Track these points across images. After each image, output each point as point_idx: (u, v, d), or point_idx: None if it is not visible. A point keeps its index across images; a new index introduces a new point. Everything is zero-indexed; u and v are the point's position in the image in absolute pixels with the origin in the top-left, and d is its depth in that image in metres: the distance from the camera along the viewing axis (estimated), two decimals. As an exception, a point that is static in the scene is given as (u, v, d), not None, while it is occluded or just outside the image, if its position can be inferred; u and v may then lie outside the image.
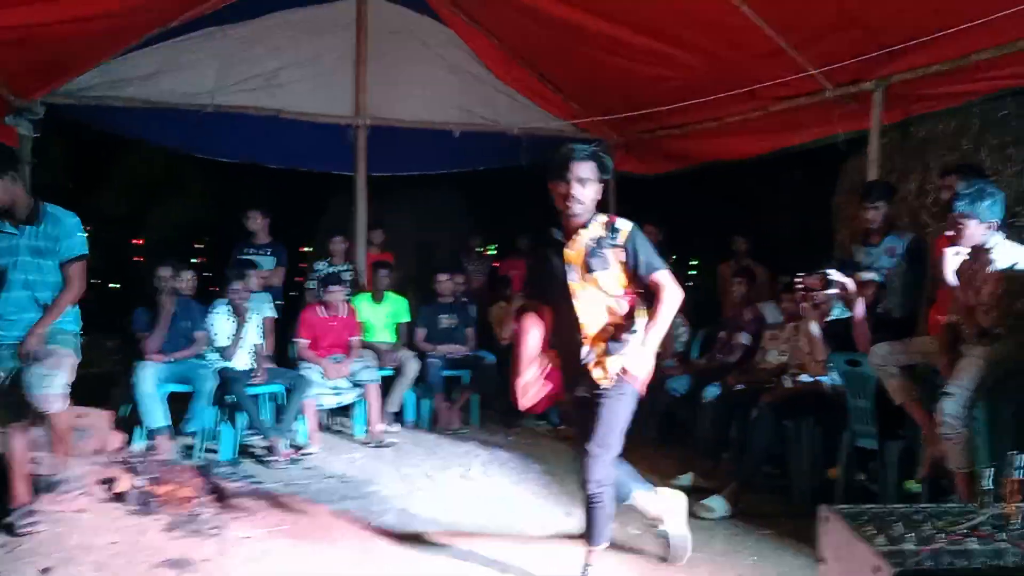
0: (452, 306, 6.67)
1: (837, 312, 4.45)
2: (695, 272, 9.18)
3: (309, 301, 6.43)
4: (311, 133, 6.69)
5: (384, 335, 6.46)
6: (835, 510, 1.13)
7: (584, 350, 2.95)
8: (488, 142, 7.11)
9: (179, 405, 5.25)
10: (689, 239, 8.76)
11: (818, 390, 4.44)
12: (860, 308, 4.01)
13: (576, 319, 2.94)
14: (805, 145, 5.85)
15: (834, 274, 4.03)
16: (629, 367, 2.95)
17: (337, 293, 5.92)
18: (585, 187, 2.89)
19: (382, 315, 6.47)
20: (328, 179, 7.39)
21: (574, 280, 2.94)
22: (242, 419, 5.31)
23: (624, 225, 2.99)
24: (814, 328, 4.23)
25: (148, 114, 6.19)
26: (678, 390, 5.59)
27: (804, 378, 4.60)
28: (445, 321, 6.60)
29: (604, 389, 2.97)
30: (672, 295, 2.97)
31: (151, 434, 5.00)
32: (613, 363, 2.96)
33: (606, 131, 7.31)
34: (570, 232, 2.96)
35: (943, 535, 1.04)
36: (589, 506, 3.06)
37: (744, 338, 5.53)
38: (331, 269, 6.60)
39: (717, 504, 4.08)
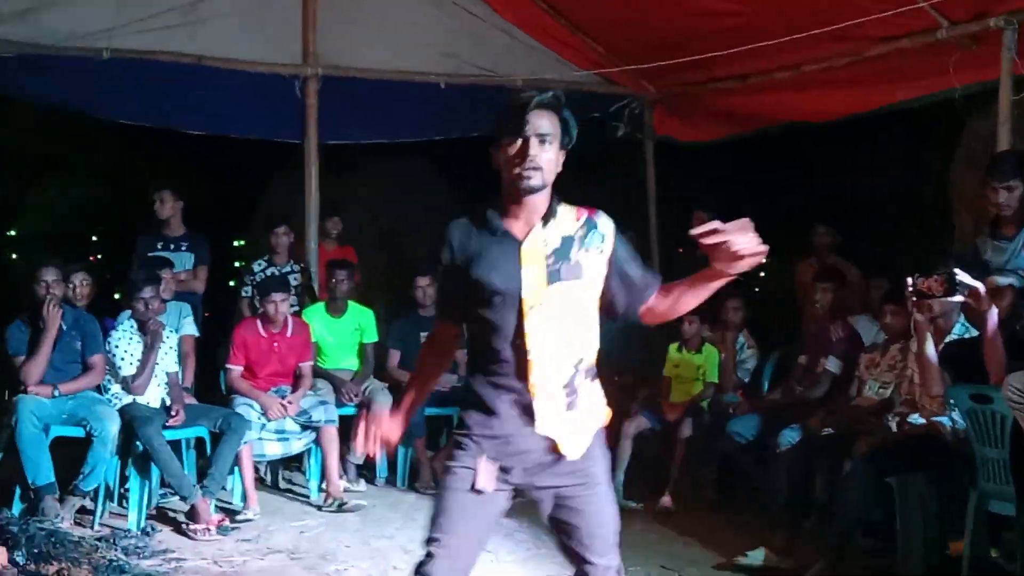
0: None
1: (959, 330, 4.46)
2: (763, 275, 9.17)
3: (244, 314, 6.44)
4: (243, 87, 6.72)
5: (346, 359, 6.49)
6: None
7: (537, 404, 2.60)
8: (482, 98, 7.12)
9: (71, 453, 5.25)
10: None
11: (934, 435, 4.45)
12: (992, 324, 4.01)
13: (523, 352, 2.61)
14: (910, 103, 5.88)
15: (961, 275, 4.02)
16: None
17: (281, 303, 5.92)
18: (546, 148, 2.61)
19: (342, 333, 6.49)
20: (267, 149, 7.41)
21: (529, 291, 2.64)
22: (155, 473, 5.30)
23: (607, 226, 2.72)
24: (930, 350, 4.23)
25: (22, 62, 6.19)
26: (743, 435, 5.59)
27: (915, 419, 4.61)
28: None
29: (576, 469, 2.66)
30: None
31: (34, 493, 4.99)
32: (583, 425, 2.68)
33: (641, 84, 7.34)
34: (519, 218, 2.68)
35: None
36: None
37: (832, 364, 5.53)
38: (273, 270, 6.61)
39: None
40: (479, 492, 2.60)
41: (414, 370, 2.98)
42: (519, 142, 2.58)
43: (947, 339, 4.43)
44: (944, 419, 4.46)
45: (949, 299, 4.14)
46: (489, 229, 2.68)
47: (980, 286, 4.05)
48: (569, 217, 2.70)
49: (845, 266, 6.37)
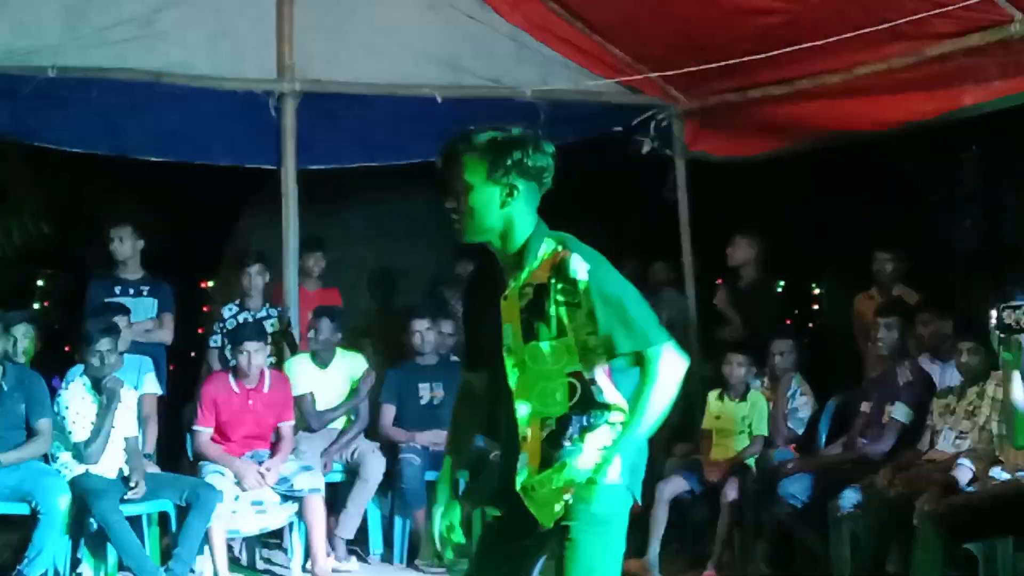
0: (436, 369, 6.70)
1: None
2: (817, 308, 9.18)
3: (213, 367, 6.47)
4: (209, 107, 6.77)
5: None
6: None
7: (520, 459, 2.79)
8: (485, 113, 7.18)
9: (13, 534, 5.27)
10: (805, 255, 8.80)
11: (1021, 493, 4.43)
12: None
13: (511, 409, 2.80)
14: (982, 108, 5.91)
15: None
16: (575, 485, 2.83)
17: (255, 353, 5.96)
18: (463, 196, 2.76)
19: (332, 384, 6.53)
20: (238, 177, 7.47)
21: (508, 347, 2.79)
22: (112, 555, 5.32)
23: (580, 270, 2.72)
24: (1018, 394, 4.24)
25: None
26: (798, 497, 5.58)
27: (996, 473, 4.59)
28: (426, 393, 6.62)
29: (562, 525, 2.77)
30: (664, 374, 2.80)
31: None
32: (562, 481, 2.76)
33: (670, 93, 7.38)
34: (507, 269, 2.83)
35: None
36: None
37: (900, 412, 5.52)
38: (246, 316, 6.66)
39: None
40: None
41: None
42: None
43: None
44: (1032, 474, 4.46)
45: None
46: (493, 273, 2.84)
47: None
48: (546, 260, 2.76)
49: (913, 298, 6.38)
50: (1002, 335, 4.20)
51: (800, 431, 6.23)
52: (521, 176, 2.75)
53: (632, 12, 6.78)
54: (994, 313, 4.18)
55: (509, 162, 2.74)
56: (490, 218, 2.75)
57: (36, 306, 8.50)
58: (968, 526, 4.41)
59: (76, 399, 5.59)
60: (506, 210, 2.75)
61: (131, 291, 6.59)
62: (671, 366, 2.71)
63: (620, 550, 2.82)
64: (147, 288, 6.66)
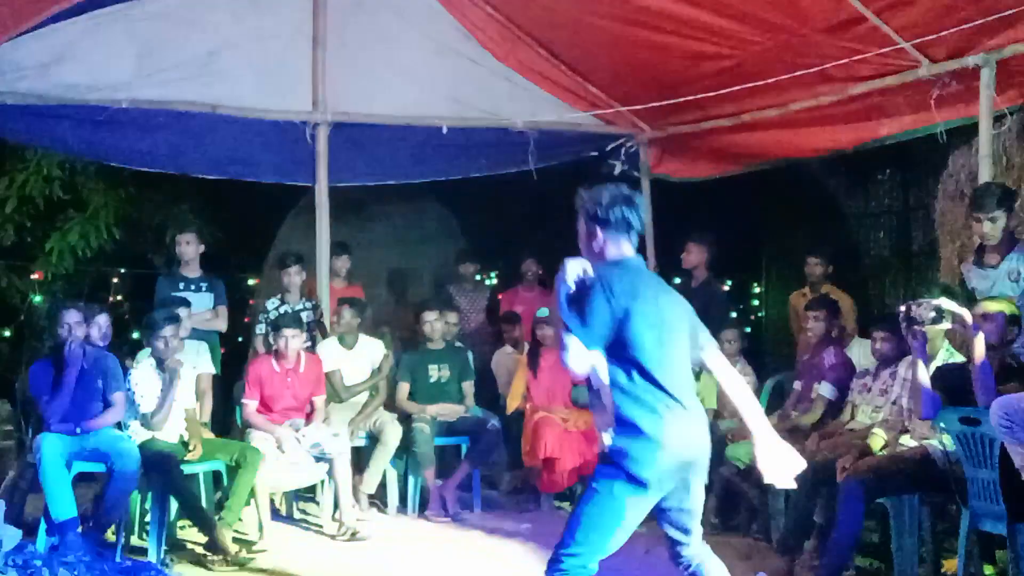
0: (443, 353, 6.71)
1: (946, 355, 4.48)
2: (758, 303, 9.19)
3: (259, 351, 6.47)
4: (256, 134, 6.79)
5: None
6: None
7: None
8: (485, 141, 7.20)
9: (92, 489, 5.26)
10: (750, 260, 8.82)
11: (925, 457, 4.45)
12: (980, 349, 4.03)
13: None
14: (895, 138, 5.93)
15: (947, 303, 4.06)
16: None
17: (293, 339, 5.96)
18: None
19: (358, 363, 6.53)
20: (280, 192, 7.47)
21: None
22: (174, 506, 5.32)
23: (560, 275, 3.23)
24: (921, 374, 4.25)
25: (45, 112, 6.28)
26: (742, 459, 5.59)
27: (907, 441, 4.61)
28: (435, 372, 6.63)
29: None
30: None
31: (58, 527, 5.00)
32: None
33: (637, 124, 7.40)
34: None
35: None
36: None
37: (826, 390, 5.54)
38: (286, 308, 6.65)
39: None
40: None
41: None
42: None
43: (937, 364, 4.45)
44: (934, 441, 4.47)
45: (939, 326, 4.17)
46: None
47: (966, 313, 4.09)
48: None
49: (838, 295, 6.39)
50: (907, 326, 4.23)
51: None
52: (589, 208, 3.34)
53: (606, 56, 6.80)
54: (903, 308, 4.21)
55: (586, 203, 3.35)
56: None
57: (111, 299, 8.47)
58: (881, 484, 4.43)
59: (144, 377, 5.59)
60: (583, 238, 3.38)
61: (192, 287, 6.58)
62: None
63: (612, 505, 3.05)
64: (205, 284, 6.65)
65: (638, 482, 3.03)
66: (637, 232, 3.29)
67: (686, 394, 3.14)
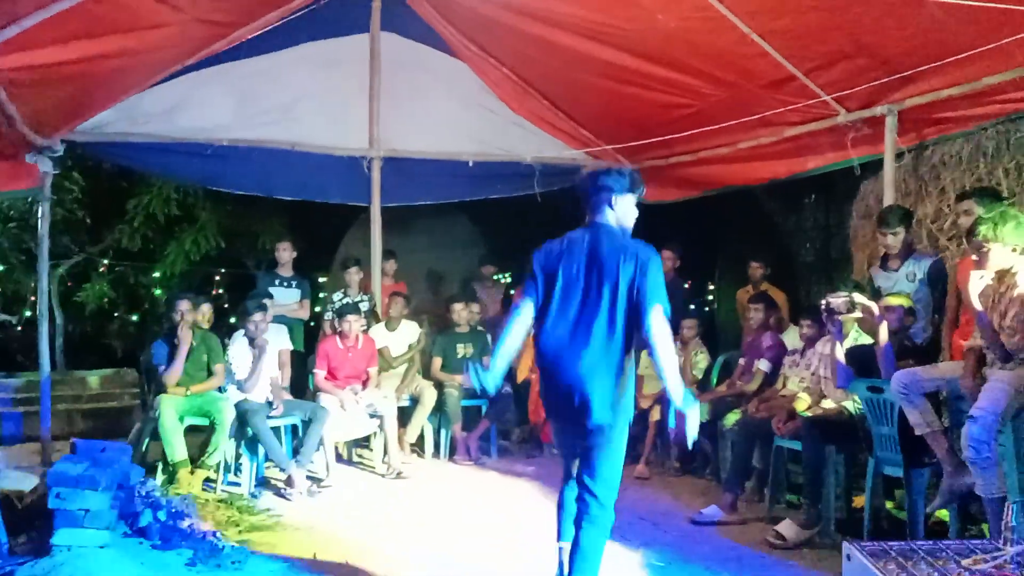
0: (468, 335, 6.71)
1: (855, 337, 4.46)
2: (712, 298, 9.15)
3: (327, 332, 6.49)
4: (326, 165, 6.80)
5: (400, 363, 6.53)
6: (858, 547, 1.15)
7: None
8: (501, 171, 7.19)
9: (198, 438, 5.30)
10: (708, 264, 8.78)
11: (841, 417, 4.43)
12: (883, 334, 4.02)
13: None
14: (820, 170, 5.90)
15: (859, 297, 4.04)
16: None
17: (354, 323, 5.97)
18: None
19: (398, 342, 6.54)
20: (344, 210, 7.48)
21: None
22: (262, 451, 5.35)
23: None
24: (838, 352, 4.23)
25: (166, 148, 6.31)
26: (698, 418, 5.58)
27: (827, 404, 4.59)
28: (461, 350, 6.64)
29: None
30: None
31: (172, 468, 5.04)
32: None
33: (618, 159, 7.38)
34: None
35: (967, 574, 1.06)
36: None
37: (764, 365, 5.51)
38: (348, 299, 6.67)
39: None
40: None
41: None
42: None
43: (851, 344, 4.42)
44: (848, 404, 4.45)
45: (852, 315, 4.16)
46: None
47: (874, 305, 4.08)
48: None
49: (775, 291, 6.36)
50: (827, 315, 4.21)
51: (700, 376, 6.24)
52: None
53: (595, 106, 6.79)
54: (824, 301, 4.19)
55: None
56: None
57: (214, 293, 8.53)
58: (809, 439, 4.41)
59: (238, 352, 5.62)
60: None
61: (285, 284, 6.62)
62: None
63: None
64: (295, 282, 6.69)
65: None
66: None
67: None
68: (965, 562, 1.13)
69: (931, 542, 1.22)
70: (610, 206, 3.08)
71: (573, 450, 3.12)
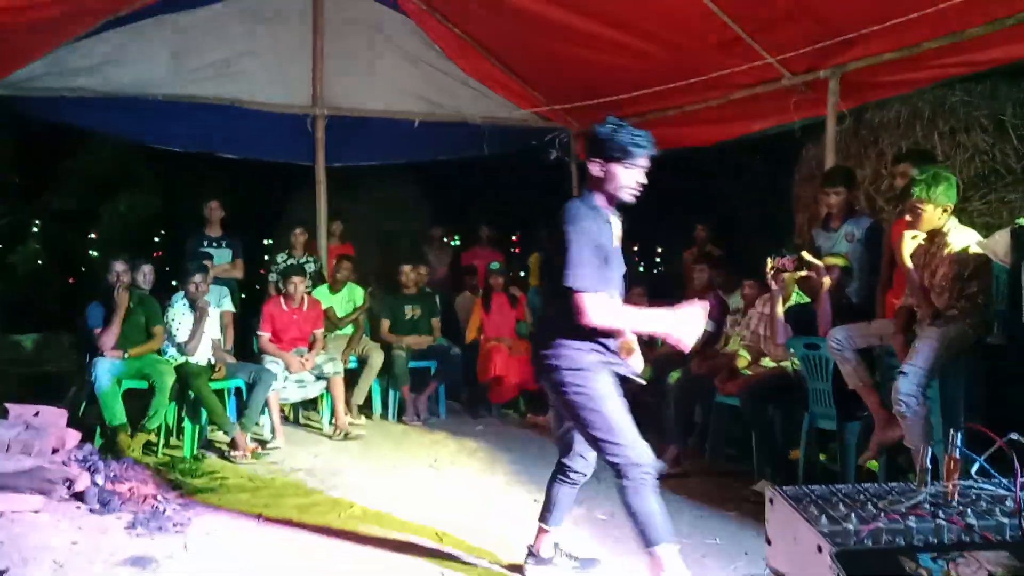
0: (416, 297, 6.67)
1: (796, 297, 4.55)
2: (659, 259, 9.26)
3: (271, 293, 6.38)
4: (268, 123, 6.63)
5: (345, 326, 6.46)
6: (780, 491, 1.18)
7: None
8: (450, 132, 7.11)
9: (137, 402, 5.18)
10: (652, 227, 8.86)
11: (779, 374, 4.53)
12: (824, 293, 4.11)
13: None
14: (764, 132, 5.96)
15: (807, 256, 4.13)
16: None
17: (298, 284, 5.87)
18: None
19: (342, 303, 6.46)
20: (287, 170, 7.33)
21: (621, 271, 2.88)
22: (204, 415, 5.26)
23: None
24: (779, 311, 4.32)
25: (99, 104, 6.08)
26: (643, 377, 5.64)
27: (766, 362, 4.69)
28: (409, 312, 6.60)
29: None
30: None
31: (111, 432, 4.92)
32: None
33: (568, 120, 7.34)
34: (611, 218, 2.86)
35: (884, 514, 1.09)
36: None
37: (707, 324, 5.58)
38: (292, 260, 6.56)
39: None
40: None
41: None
42: (636, 172, 2.76)
43: (789, 304, 4.51)
44: (786, 362, 4.55)
45: (799, 273, 4.23)
46: (600, 213, 2.78)
47: (820, 263, 4.16)
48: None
49: (719, 254, 6.44)
50: (772, 274, 4.29)
51: (646, 336, 6.29)
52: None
53: (545, 67, 6.73)
54: (769, 259, 4.26)
55: None
56: None
57: (154, 255, 8.30)
58: (748, 395, 4.50)
59: (179, 313, 5.49)
60: None
61: (215, 244, 6.45)
62: None
63: None
64: (225, 241, 6.53)
65: None
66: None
67: None
68: (882, 503, 1.16)
69: (851, 486, 1.25)
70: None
71: None
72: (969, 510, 1.11)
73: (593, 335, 2.77)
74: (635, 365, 2.92)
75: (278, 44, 6.50)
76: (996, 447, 1.19)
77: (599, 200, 2.81)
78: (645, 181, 2.75)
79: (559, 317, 2.78)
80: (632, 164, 2.76)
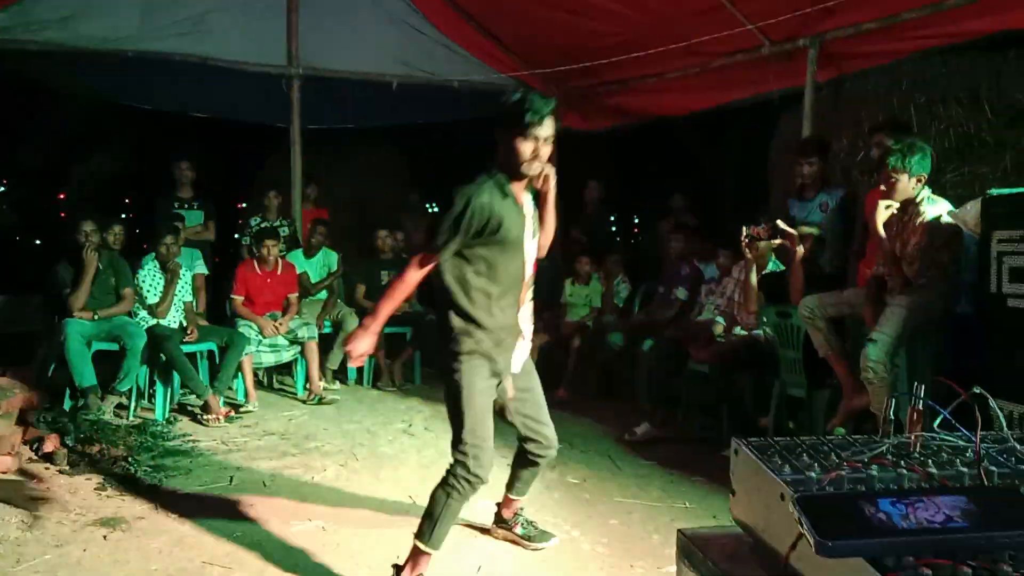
0: (392, 262, 6.62)
1: (771, 266, 4.59)
2: (636, 229, 9.29)
3: (244, 257, 6.31)
4: (242, 82, 6.50)
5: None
6: (744, 442, 1.20)
7: (524, 312, 2.72)
8: (427, 95, 7.02)
9: (109, 365, 5.12)
10: (629, 195, 8.86)
11: (752, 342, 4.58)
12: (797, 260, 4.14)
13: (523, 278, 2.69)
14: (743, 101, 5.95)
15: (782, 224, 4.15)
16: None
17: (272, 248, 5.80)
18: (548, 146, 2.54)
19: (316, 268, 6.42)
20: (262, 131, 7.21)
21: (527, 242, 2.67)
22: (176, 378, 5.22)
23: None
24: (753, 280, 4.35)
25: (67, 59, 5.91)
26: (617, 344, 5.70)
27: (737, 331, 4.74)
28: (385, 277, 6.55)
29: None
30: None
31: (81, 393, 4.87)
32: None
33: (547, 86, 7.27)
34: (518, 191, 2.63)
35: (846, 464, 1.11)
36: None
37: (681, 293, 5.64)
38: (266, 224, 6.47)
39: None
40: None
41: (384, 301, 2.78)
42: (536, 142, 2.47)
43: (763, 272, 4.55)
44: (758, 331, 4.60)
45: (773, 241, 4.26)
46: (508, 197, 2.58)
47: (794, 232, 4.19)
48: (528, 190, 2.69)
49: (695, 223, 6.47)
50: (747, 242, 4.31)
51: (621, 304, 6.35)
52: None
53: (524, 30, 6.65)
54: (745, 228, 4.28)
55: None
56: None
57: (124, 215, 8.16)
58: (720, 362, 4.55)
59: (150, 276, 5.42)
60: None
61: (186, 205, 6.35)
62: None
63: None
64: (197, 203, 6.43)
65: None
66: None
67: None
68: (845, 454, 1.18)
69: (815, 438, 1.27)
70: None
71: None
72: (930, 460, 1.13)
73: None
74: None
75: (252, 1, 6.34)
76: (960, 400, 1.22)
77: (504, 179, 2.55)
78: (547, 153, 2.47)
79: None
80: (528, 134, 2.45)
